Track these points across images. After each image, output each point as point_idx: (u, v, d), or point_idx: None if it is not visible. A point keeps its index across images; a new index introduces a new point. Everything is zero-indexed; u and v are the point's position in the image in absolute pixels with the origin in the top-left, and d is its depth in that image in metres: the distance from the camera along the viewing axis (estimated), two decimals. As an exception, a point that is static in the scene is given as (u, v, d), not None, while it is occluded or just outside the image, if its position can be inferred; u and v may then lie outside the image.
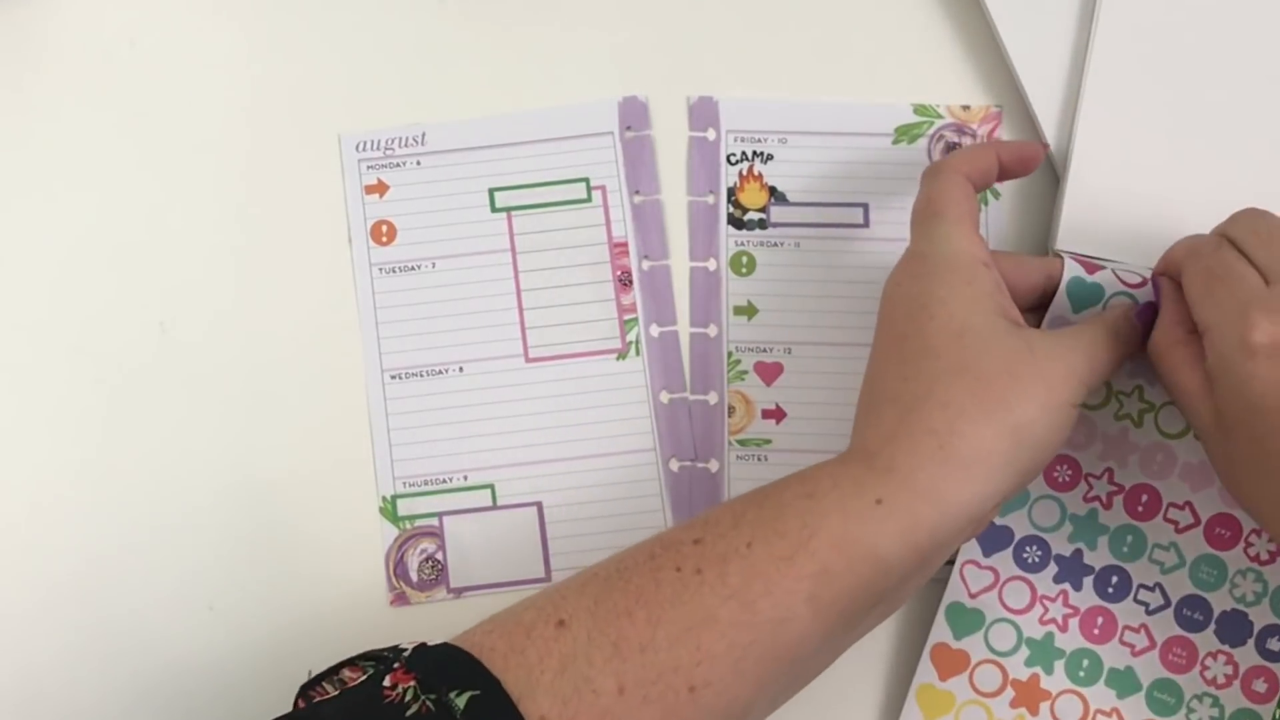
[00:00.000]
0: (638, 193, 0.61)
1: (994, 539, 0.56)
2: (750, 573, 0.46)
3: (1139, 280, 0.55)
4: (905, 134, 0.62)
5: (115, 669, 0.59)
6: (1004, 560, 0.56)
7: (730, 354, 0.61)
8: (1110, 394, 0.56)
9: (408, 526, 0.59)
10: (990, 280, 0.50)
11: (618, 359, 0.60)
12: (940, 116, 0.62)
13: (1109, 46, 0.59)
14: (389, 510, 0.59)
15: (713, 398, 0.60)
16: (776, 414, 0.60)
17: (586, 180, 0.61)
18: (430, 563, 0.59)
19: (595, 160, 0.61)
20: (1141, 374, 0.56)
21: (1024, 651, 0.56)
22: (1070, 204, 0.58)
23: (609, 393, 0.60)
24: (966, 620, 0.56)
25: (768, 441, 0.60)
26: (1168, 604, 0.56)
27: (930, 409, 0.47)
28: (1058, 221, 0.58)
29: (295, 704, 0.48)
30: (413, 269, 0.61)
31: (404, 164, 0.61)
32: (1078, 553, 0.56)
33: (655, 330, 0.61)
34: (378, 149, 0.61)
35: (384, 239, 0.61)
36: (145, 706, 0.58)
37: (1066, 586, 0.56)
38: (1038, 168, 0.55)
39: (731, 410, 0.60)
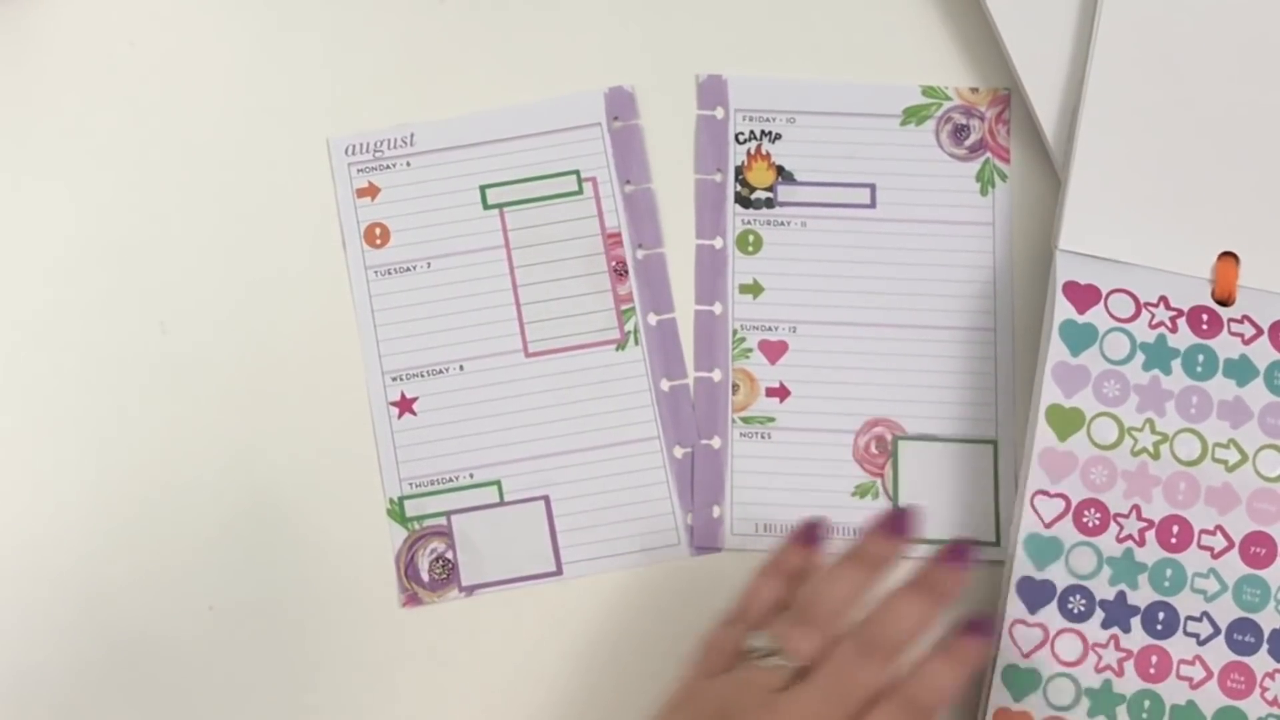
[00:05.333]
0: (629, 182, 0.61)
1: (1037, 594, 0.56)
2: None
3: (1131, 313, 0.56)
4: (914, 115, 0.61)
5: (115, 669, 0.59)
6: (1050, 614, 0.56)
7: (735, 332, 0.61)
8: (1122, 431, 0.56)
9: (416, 527, 0.60)
10: None
11: (617, 349, 0.61)
12: (949, 98, 0.62)
13: (1110, 45, 0.58)
14: (397, 512, 0.60)
15: (717, 375, 0.61)
16: (780, 392, 0.61)
17: (577, 172, 0.61)
18: (441, 562, 0.60)
19: (584, 152, 0.61)
20: (1150, 406, 0.56)
21: (1085, 703, 0.56)
22: (1072, 204, 0.58)
23: (610, 383, 0.60)
24: (1023, 681, 0.56)
25: (771, 419, 0.60)
26: (1217, 631, 0.56)
27: None
28: (1060, 221, 0.58)
29: None
30: (408, 270, 0.61)
31: (394, 165, 0.61)
32: (1121, 595, 0.56)
33: (653, 318, 0.61)
34: (366, 151, 0.61)
35: (378, 241, 0.61)
36: (146, 706, 0.59)
37: (1115, 631, 0.56)
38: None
39: (735, 388, 0.61)
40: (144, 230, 0.61)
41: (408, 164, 0.61)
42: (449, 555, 0.60)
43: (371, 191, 0.61)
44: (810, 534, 0.54)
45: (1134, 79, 0.58)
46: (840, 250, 0.61)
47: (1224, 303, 0.57)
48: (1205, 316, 0.57)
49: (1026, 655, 0.56)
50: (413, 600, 0.60)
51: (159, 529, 0.60)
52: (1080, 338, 0.56)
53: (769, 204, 0.61)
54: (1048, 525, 0.56)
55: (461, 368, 0.60)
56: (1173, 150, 0.58)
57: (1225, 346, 0.56)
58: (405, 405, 0.60)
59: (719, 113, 0.62)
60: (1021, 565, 0.56)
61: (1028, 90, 0.59)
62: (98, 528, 0.60)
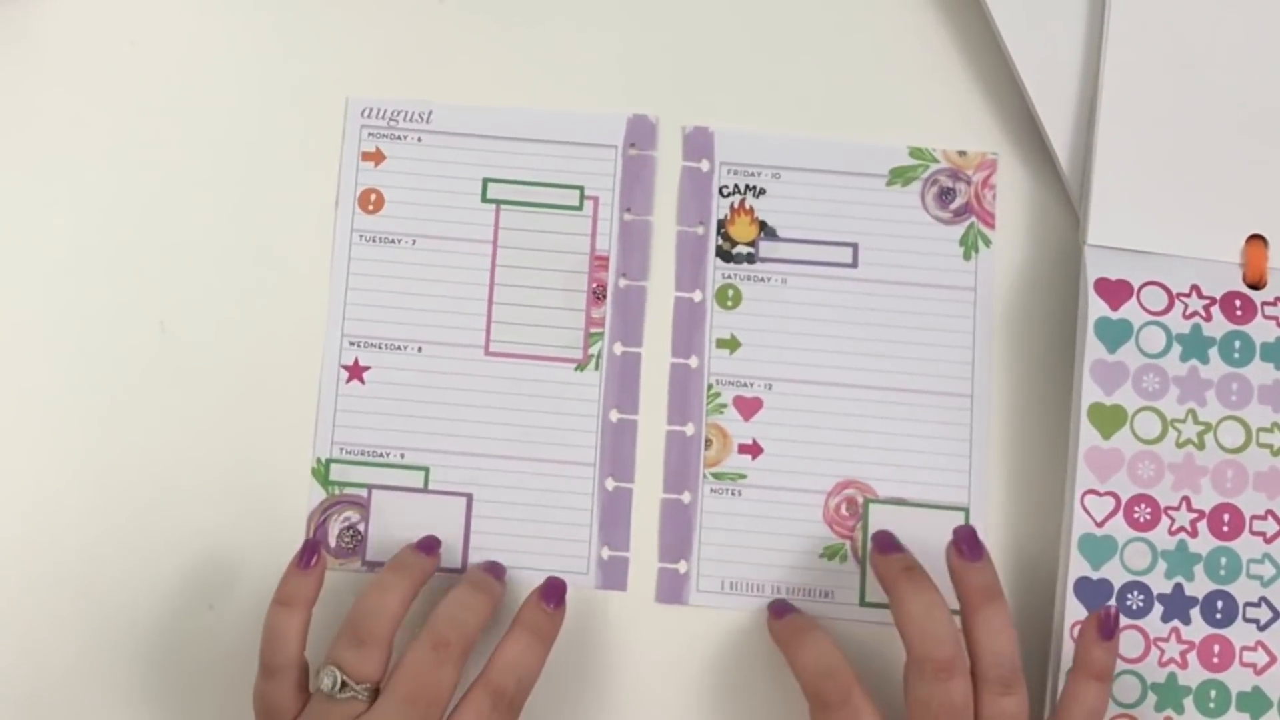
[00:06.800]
0: (629, 210, 0.61)
1: (1095, 593, 0.56)
2: None
3: (1165, 305, 0.56)
4: (900, 176, 0.61)
5: (115, 669, 0.59)
6: None
7: (710, 386, 0.61)
8: (1165, 424, 0.57)
9: (336, 492, 0.60)
10: None
11: (576, 369, 0.61)
12: (936, 161, 0.61)
13: (1123, 33, 0.58)
14: (321, 473, 0.60)
15: (690, 429, 0.60)
16: (753, 449, 0.60)
17: (581, 189, 0.61)
18: (351, 532, 0.60)
19: (594, 171, 0.61)
20: (1191, 396, 0.57)
21: (1152, 698, 0.56)
22: (1097, 197, 0.58)
23: (561, 400, 0.60)
24: None
25: (743, 476, 0.60)
26: (1277, 615, 0.56)
27: None
28: (1086, 216, 0.58)
29: None
30: (393, 242, 0.61)
31: (406, 137, 0.62)
32: (1178, 587, 0.56)
33: (619, 349, 0.61)
34: (382, 118, 0.62)
35: (371, 207, 0.61)
36: (145, 706, 0.59)
37: (1176, 623, 0.56)
38: None
39: (708, 443, 0.60)
40: (145, 229, 0.61)
41: (419, 139, 0.61)
42: (360, 527, 0.60)
43: (377, 157, 0.61)
44: (308, 555, 0.55)
45: (1150, 66, 0.58)
46: (820, 309, 0.61)
47: (1256, 286, 0.57)
48: (1239, 302, 0.57)
49: None
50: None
51: (159, 527, 0.60)
52: (1115, 334, 0.57)
53: (750, 259, 0.61)
54: (1100, 524, 0.57)
55: (420, 349, 0.60)
56: (1194, 136, 0.58)
57: (1261, 330, 0.57)
58: (356, 372, 0.60)
59: (704, 165, 0.62)
60: (1077, 566, 0.56)
61: (1034, 99, 0.60)
62: (97, 526, 0.60)
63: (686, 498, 0.60)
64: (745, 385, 0.61)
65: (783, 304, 0.61)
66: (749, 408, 0.61)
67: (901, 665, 0.54)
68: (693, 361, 0.61)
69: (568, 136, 0.61)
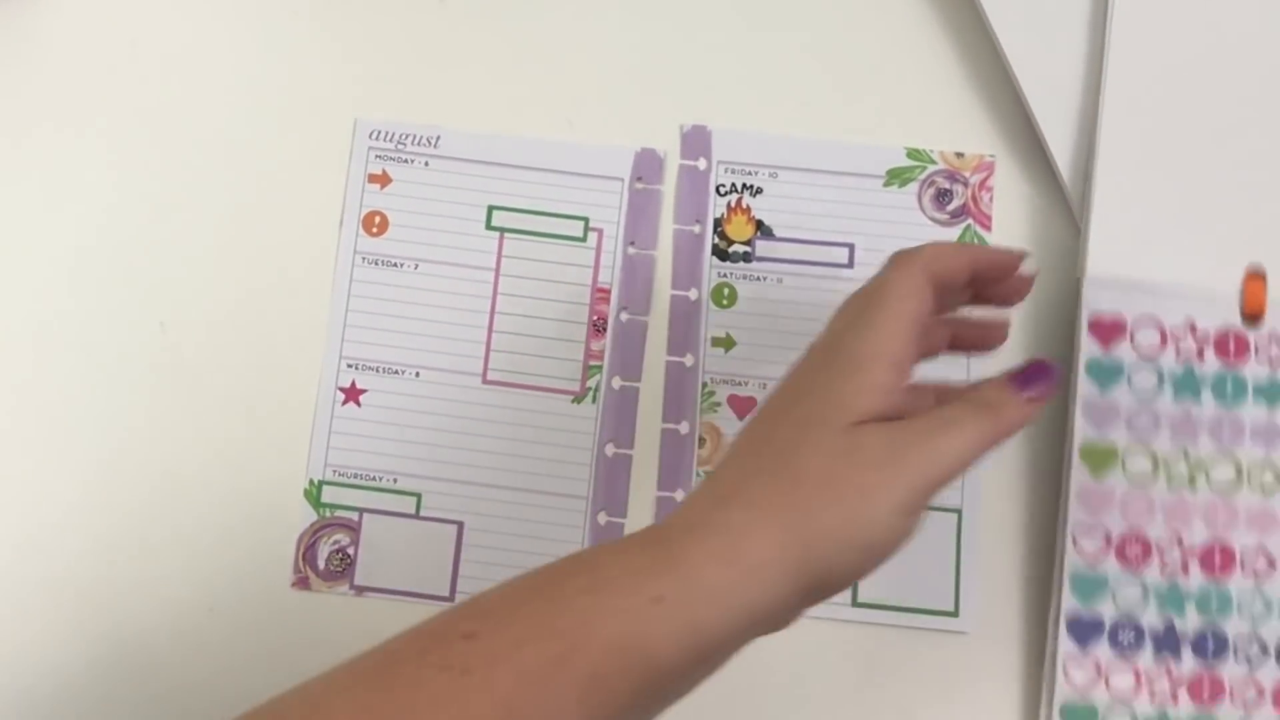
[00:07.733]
0: (633, 244, 0.61)
1: (1086, 630, 0.57)
2: (520, 678, 0.42)
3: (1157, 345, 0.57)
4: (897, 177, 0.61)
5: (115, 669, 0.59)
6: (1102, 650, 0.57)
7: (705, 385, 0.61)
8: (1157, 463, 0.57)
9: (327, 514, 0.60)
10: (881, 382, 0.45)
11: (574, 401, 0.60)
12: (933, 162, 0.61)
13: (1123, 69, 0.59)
14: (313, 494, 0.60)
15: (684, 427, 0.60)
16: None
17: (586, 220, 0.61)
18: (340, 555, 0.59)
19: (600, 203, 0.61)
20: (1183, 435, 0.57)
21: None
22: (1096, 230, 0.58)
23: (557, 432, 0.60)
24: (1081, 717, 0.57)
25: None
26: (1268, 652, 0.57)
27: (735, 505, 0.44)
28: (1084, 249, 0.58)
29: None
30: (395, 265, 0.61)
31: (413, 161, 0.61)
32: (1169, 624, 0.57)
33: (617, 382, 0.61)
34: (390, 140, 0.61)
35: (374, 230, 0.61)
36: (146, 706, 0.59)
37: (1167, 660, 0.57)
38: (1019, 292, 0.50)
39: (702, 441, 0.60)
40: (145, 230, 0.61)
41: (426, 164, 0.61)
42: (350, 550, 0.59)
43: (383, 180, 0.61)
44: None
45: (1150, 100, 0.59)
46: (815, 309, 0.61)
47: (1254, 317, 0.58)
48: (1233, 342, 0.58)
49: (1081, 692, 0.57)
50: (302, 584, 0.59)
51: (159, 529, 0.60)
52: (1107, 375, 0.58)
53: (746, 258, 0.61)
54: (1091, 562, 0.57)
55: (418, 374, 0.60)
56: (1193, 168, 0.59)
57: (1253, 372, 0.58)
58: (353, 394, 0.60)
59: (701, 163, 0.62)
60: (1070, 603, 0.57)
61: (1039, 118, 0.60)
62: (97, 527, 0.60)
63: (680, 495, 0.60)
64: (740, 384, 0.61)
65: (778, 304, 0.61)
66: (743, 406, 0.60)
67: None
68: (688, 359, 0.61)
69: (574, 167, 0.61)
